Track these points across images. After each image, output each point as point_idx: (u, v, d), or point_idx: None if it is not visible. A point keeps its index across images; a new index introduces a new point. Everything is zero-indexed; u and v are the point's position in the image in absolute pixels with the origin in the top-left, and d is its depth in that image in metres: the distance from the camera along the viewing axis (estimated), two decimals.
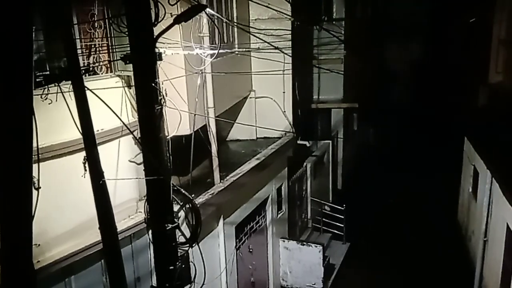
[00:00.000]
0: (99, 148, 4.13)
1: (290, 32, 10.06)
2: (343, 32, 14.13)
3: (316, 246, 11.16)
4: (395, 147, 19.91)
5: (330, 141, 15.34)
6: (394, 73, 24.51)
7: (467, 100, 16.73)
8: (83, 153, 4.15)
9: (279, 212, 11.15)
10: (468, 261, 11.90)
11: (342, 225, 13.13)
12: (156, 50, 4.64)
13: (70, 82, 3.92)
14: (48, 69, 5.40)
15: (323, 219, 13.44)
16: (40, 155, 3.81)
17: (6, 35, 2.68)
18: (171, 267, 5.10)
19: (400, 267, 11.97)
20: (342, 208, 13.08)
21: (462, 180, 13.90)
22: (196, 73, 7.05)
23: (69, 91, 4.08)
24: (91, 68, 6.00)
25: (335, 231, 13.33)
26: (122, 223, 6.12)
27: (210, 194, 7.58)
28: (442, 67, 23.28)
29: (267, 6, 8.91)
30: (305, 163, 13.16)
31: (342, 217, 13.09)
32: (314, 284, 11.28)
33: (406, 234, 13.44)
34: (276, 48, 8.30)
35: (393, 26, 23.35)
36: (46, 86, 4.25)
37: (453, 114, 18.70)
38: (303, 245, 11.25)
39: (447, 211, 14.55)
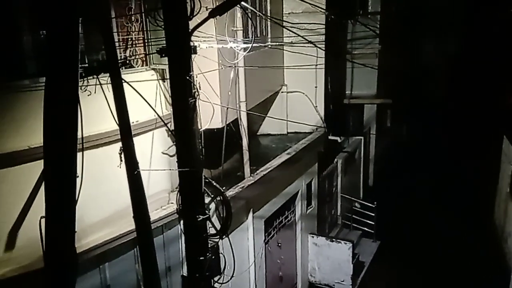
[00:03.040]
0: (134, 139, 4.22)
1: (324, 26, 9.95)
2: (378, 26, 13.86)
3: (345, 243, 11.05)
4: (429, 145, 19.41)
5: (362, 137, 15.11)
6: (430, 69, 23.80)
7: (506, 98, 16.10)
8: (119, 144, 4.24)
9: (309, 207, 11.10)
10: (504, 263, 11.55)
11: (373, 223, 12.96)
12: (191, 44, 4.70)
13: (108, 74, 4.02)
14: (87, 61, 5.55)
15: (353, 216, 13.31)
16: (80, 144, 3.92)
17: (56, 27, 2.77)
18: (201, 258, 5.18)
19: (432, 266, 11.73)
20: (373, 206, 12.91)
21: (500, 180, 13.46)
22: (229, 66, 7.09)
23: (106, 83, 4.18)
24: (127, 61, 6.12)
25: (365, 229, 13.16)
26: (154, 213, 6.25)
27: (240, 188, 7.64)
28: (480, 63, 22.45)
29: (301, 0, 8.84)
30: (336, 159, 13.03)
31: (373, 214, 12.91)
32: (343, 281, 11.20)
33: (438, 233, 13.13)
34: (309, 42, 8.23)
35: (429, 19, 22.66)
36: (86, 78, 4.37)
37: (492, 112, 18.05)
38: (332, 241, 11.16)
39: (482, 211, 14.13)
